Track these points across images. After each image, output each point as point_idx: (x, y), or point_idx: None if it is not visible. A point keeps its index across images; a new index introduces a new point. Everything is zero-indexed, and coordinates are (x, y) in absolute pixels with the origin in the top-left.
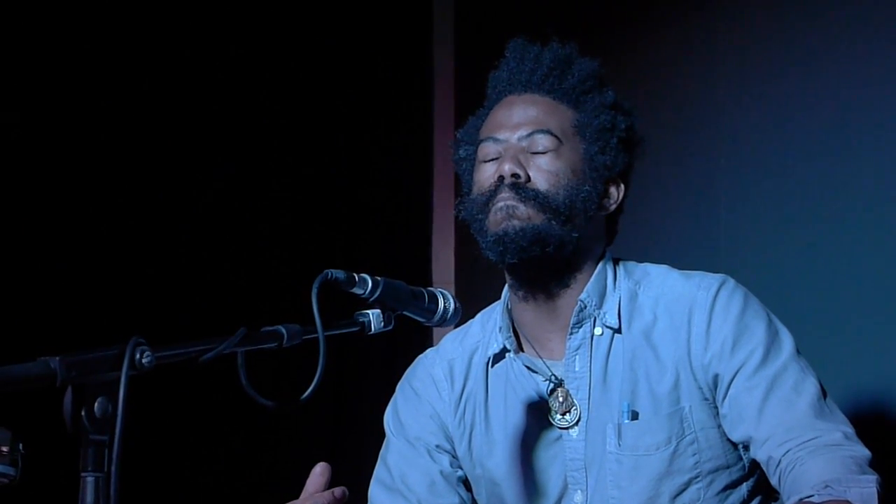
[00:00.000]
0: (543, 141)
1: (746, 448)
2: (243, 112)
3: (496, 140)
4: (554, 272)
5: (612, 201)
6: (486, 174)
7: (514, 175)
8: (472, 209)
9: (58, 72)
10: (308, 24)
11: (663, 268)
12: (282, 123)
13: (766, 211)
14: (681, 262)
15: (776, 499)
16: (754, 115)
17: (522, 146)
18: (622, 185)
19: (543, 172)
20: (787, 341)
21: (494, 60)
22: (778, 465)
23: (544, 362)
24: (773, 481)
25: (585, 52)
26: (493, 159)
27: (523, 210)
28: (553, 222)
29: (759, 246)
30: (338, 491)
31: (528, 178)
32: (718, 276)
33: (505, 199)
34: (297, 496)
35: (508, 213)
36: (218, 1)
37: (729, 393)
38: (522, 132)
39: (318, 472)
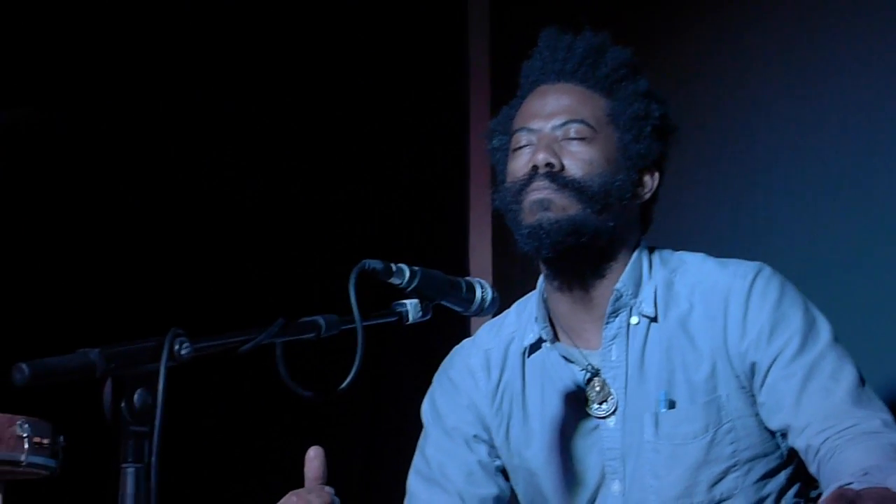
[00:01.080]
0: (577, 130)
1: (784, 436)
2: (283, 104)
3: (530, 130)
4: (589, 262)
5: (646, 190)
6: (519, 163)
7: (549, 164)
8: (505, 198)
9: (96, 67)
10: (347, 17)
11: (699, 256)
12: (320, 115)
13: (803, 199)
14: (717, 250)
15: (815, 487)
16: (791, 106)
17: (556, 135)
18: (657, 174)
19: (578, 161)
20: (824, 329)
21: (529, 50)
22: (817, 454)
23: (580, 352)
24: (812, 469)
25: (620, 43)
26: (526, 146)
27: (558, 201)
28: (588, 211)
29: (795, 234)
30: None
31: (563, 167)
32: (755, 264)
33: (539, 188)
34: (336, 488)
35: (543, 206)
36: None
37: (766, 381)
38: (556, 121)
39: (313, 457)
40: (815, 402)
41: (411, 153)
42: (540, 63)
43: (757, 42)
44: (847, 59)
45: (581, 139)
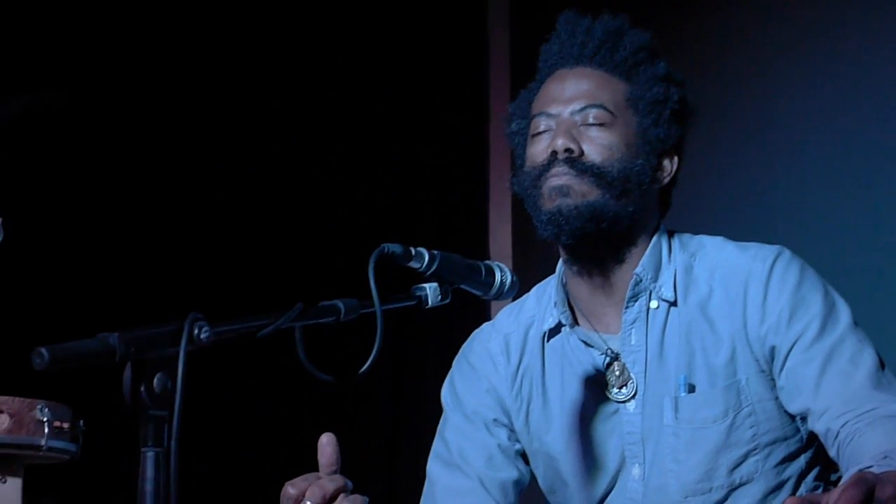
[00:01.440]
0: (596, 115)
1: (804, 420)
2: (306, 88)
3: (548, 115)
4: (609, 247)
5: (665, 174)
6: (538, 148)
7: (568, 150)
8: (524, 183)
9: (117, 52)
10: (369, 2)
11: (718, 239)
12: (343, 100)
13: (824, 183)
14: (737, 234)
15: (835, 471)
16: (813, 91)
17: (575, 120)
18: (676, 158)
19: (597, 146)
20: (844, 312)
21: (549, 33)
22: (836, 437)
23: (600, 336)
24: (832, 453)
25: (641, 27)
26: (545, 131)
27: (577, 187)
28: (607, 196)
29: (816, 219)
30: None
31: (582, 152)
32: (774, 248)
33: (558, 174)
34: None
35: (562, 192)
36: None
37: (786, 365)
38: (575, 106)
39: (326, 443)
40: (835, 385)
41: (432, 137)
42: (558, 47)
43: (780, 27)
44: (871, 46)
45: (600, 124)
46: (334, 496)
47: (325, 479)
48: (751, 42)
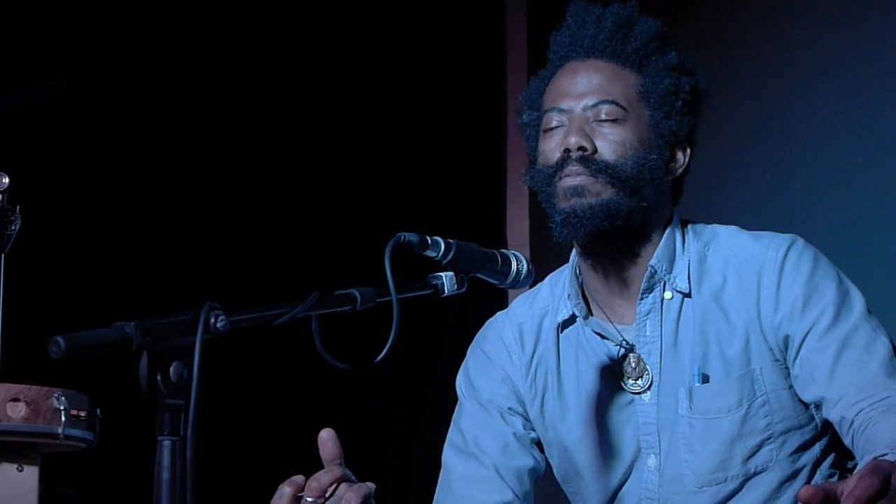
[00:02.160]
0: (609, 111)
1: (818, 408)
2: (319, 79)
3: (561, 110)
4: (623, 242)
5: (678, 165)
6: (551, 145)
7: (581, 148)
8: (538, 180)
9: (126, 42)
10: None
11: (732, 228)
12: (358, 90)
13: (842, 174)
14: (756, 223)
15: (851, 458)
16: (829, 89)
17: (588, 116)
18: (688, 149)
19: (610, 143)
20: (857, 301)
21: (559, 23)
22: (851, 426)
23: (615, 327)
24: (847, 441)
25: (661, 16)
26: (558, 128)
27: (591, 187)
28: (622, 194)
29: (834, 208)
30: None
31: (595, 150)
32: (788, 237)
33: (572, 174)
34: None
35: (577, 192)
36: None
37: (800, 354)
38: (587, 101)
39: (326, 438)
40: (849, 374)
41: (449, 126)
42: (569, 38)
43: (802, 14)
44: (894, 35)
45: (613, 120)
46: (333, 486)
47: (320, 472)
48: (771, 30)
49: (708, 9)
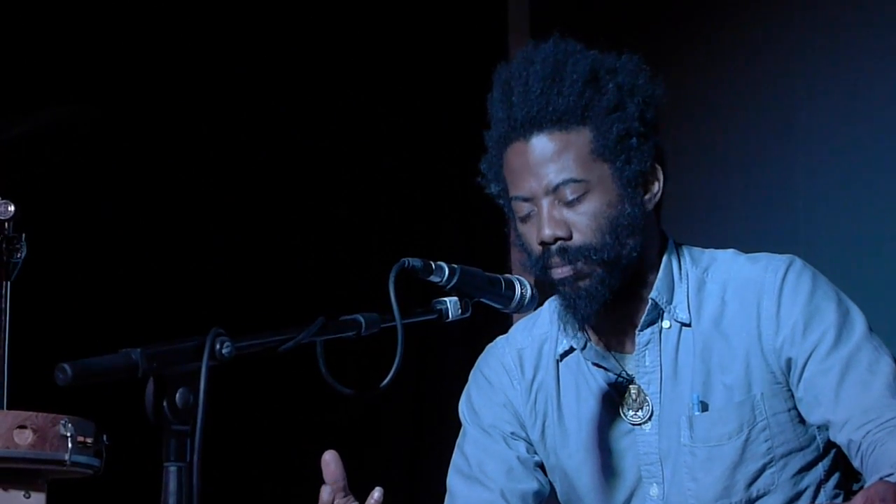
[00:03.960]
0: (572, 189)
1: (821, 428)
2: (323, 103)
3: (525, 199)
4: (621, 288)
5: (654, 195)
6: (529, 231)
7: (556, 238)
8: (530, 266)
9: (124, 65)
10: (387, 12)
11: (729, 252)
12: (362, 114)
13: (845, 190)
14: (759, 240)
15: (857, 480)
16: (830, 104)
17: (552, 199)
18: (658, 170)
19: (582, 222)
20: (858, 321)
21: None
22: (859, 449)
23: (614, 356)
24: (856, 464)
25: (665, 40)
26: (529, 214)
27: (581, 269)
28: (611, 265)
29: (837, 224)
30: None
31: (570, 235)
32: (785, 258)
33: (557, 265)
34: (379, 486)
35: (568, 282)
36: None
37: (803, 376)
38: (547, 184)
39: (329, 460)
40: (854, 395)
41: (452, 150)
42: (503, 113)
43: (803, 27)
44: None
45: (578, 197)
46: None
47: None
48: (773, 42)
49: (711, 20)
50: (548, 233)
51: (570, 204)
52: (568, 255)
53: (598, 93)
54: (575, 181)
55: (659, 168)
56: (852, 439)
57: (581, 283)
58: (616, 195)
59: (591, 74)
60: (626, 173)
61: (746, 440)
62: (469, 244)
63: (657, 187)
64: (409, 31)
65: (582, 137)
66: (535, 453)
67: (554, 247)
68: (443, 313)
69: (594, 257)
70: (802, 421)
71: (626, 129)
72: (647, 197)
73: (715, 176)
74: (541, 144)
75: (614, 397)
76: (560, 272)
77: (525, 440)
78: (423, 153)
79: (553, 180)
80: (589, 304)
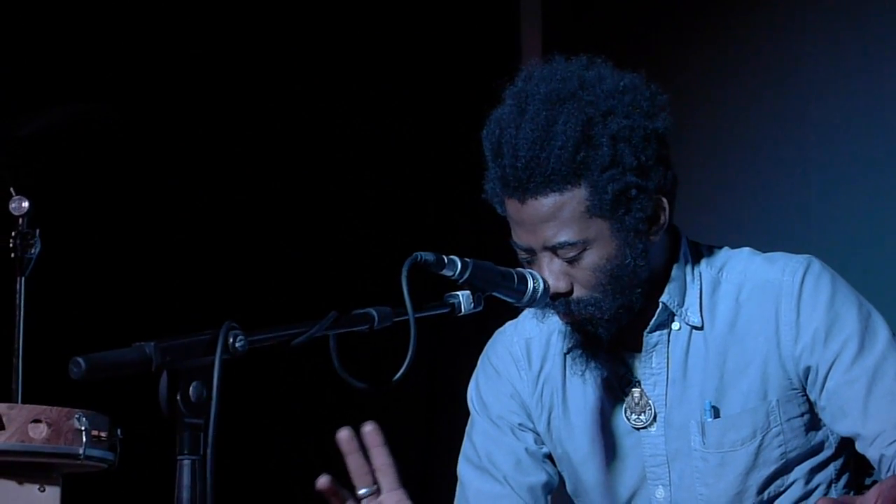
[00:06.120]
0: (568, 250)
1: (845, 439)
2: (337, 100)
3: (525, 249)
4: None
5: (660, 226)
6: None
7: (557, 294)
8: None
9: (135, 63)
10: (400, 11)
11: (746, 251)
12: (377, 108)
13: (857, 191)
14: (772, 240)
15: (870, 475)
16: (843, 106)
17: (551, 255)
18: (664, 201)
19: (582, 278)
20: (881, 326)
21: (582, 44)
22: (891, 465)
23: (623, 355)
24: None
25: (677, 39)
26: (529, 259)
27: (584, 317)
28: (617, 307)
29: (849, 224)
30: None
31: (571, 289)
32: (803, 259)
33: (562, 313)
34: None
35: (576, 327)
36: None
37: (826, 386)
38: (545, 242)
39: (368, 431)
40: (883, 408)
41: (464, 144)
42: (494, 172)
43: (813, 28)
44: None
45: (576, 255)
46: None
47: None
48: (783, 44)
49: (724, 16)
50: (551, 283)
51: (570, 262)
52: (568, 308)
53: (592, 149)
54: (570, 244)
55: (664, 199)
56: (885, 455)
57: (587, 328)
58: (616, 247)
59: (584, 129)
60: (628, 224)
61: (760, 446)
62: (481, 238)
63: (663, 218)
64: (427, 26)
65: (577, 197)
66: (543, 444)
67: (557, 299)
68: (455, 307)
69: (594, 310)
70: (815, 425)
71: (623, 183)
72: (653, 229)
73: (728, 172)
74: (535, 206)
75: (619, 398)
76: (566, 319)
77: (532, 431)
78: (437, 148)
79: (549, 240)
80: (607, 333)
